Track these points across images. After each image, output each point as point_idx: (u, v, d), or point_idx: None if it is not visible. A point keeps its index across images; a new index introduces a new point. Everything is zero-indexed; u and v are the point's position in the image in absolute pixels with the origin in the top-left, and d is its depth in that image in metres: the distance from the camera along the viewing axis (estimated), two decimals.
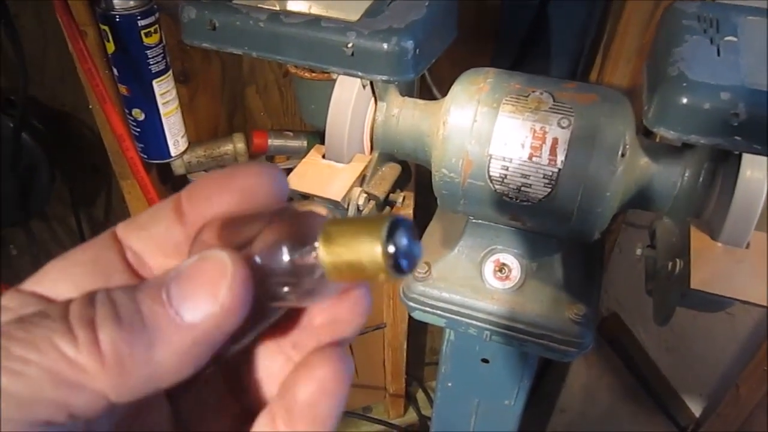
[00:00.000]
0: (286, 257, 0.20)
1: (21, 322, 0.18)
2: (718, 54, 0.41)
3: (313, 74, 0.79)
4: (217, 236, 0.20)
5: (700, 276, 0.50)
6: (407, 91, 0.67)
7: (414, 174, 0.78)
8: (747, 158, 0.48)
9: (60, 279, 0.20)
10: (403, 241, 0.19)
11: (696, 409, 1.05)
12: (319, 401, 0.21)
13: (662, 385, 1.13)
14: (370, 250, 0.19)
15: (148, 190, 0.77)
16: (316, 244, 0.19)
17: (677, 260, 0.53)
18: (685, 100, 0.39)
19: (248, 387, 0.24)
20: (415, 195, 1.01)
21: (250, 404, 0.24)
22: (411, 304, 0.70)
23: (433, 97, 0.77)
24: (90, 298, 0.18)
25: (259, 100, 0.97)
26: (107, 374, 0.17)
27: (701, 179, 0.54)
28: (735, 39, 0.43)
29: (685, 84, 0.39)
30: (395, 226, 0.19)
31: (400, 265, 0.19)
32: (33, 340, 0.17)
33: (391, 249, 0.19)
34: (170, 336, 0.18)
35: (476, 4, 0.91)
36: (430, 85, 0.81)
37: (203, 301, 0.18)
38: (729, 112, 0.38)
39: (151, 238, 0.21)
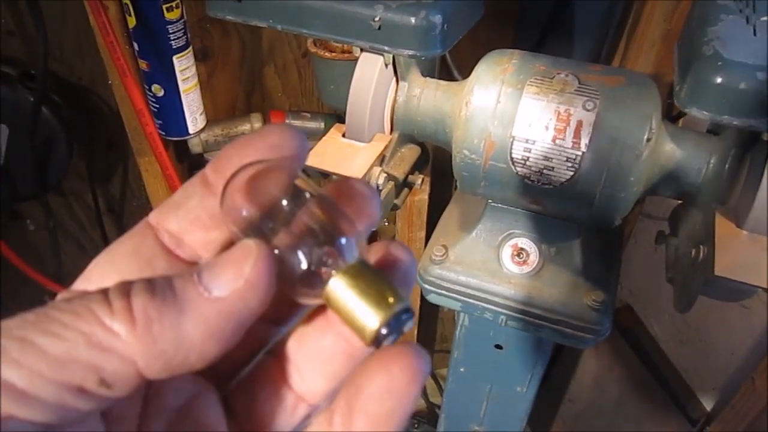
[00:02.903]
0: (302, 263, 0.21)
1: (68, 298, 0.19)
2: (755, 34, 0.41)
3: (333, 54, 0.78)
4: (245, 193, 0.21)
5: (724, 263, 0.49)
6: (428, 72, 0.66)
7: (431, 158, 0.78)
8: None
9: (107, 273, 0.22)
10: (398, 330, 0.21)
11: (708, 402, 1.05)
12: (386, 398, 0.20)
13: (674, 378, 1.12)
14: (367, 319, 0.20)
15: (166, 167, 0.77)
16: (333, 271, 0.21)
17: (701, 247, 0.52)
18: (719, 80, 0.38)
19: (304, 376, 0.23)
20: (431, 179, 1.00)
21: (308, 395, 0.23)
22: (427, 286, 0.70)
23: (453, 79, 0.76)
24: (129, 282, 0.20)
25: (278, 80, 0.97)
26: (137, 339, 0.18)
27: (727, 166, 0.53)
28: None
29: (720, 63, 0.38)
30: (401, 313, 0.21)
31: (381, 343, 0.20)
32: (73, 309, 0.19)
33: (384, 331, 0.20)
34: (199, 307, 0.19)
35: None
36: (450, 66, 0.80)
37: (229, 277, 0.20)
38: (765, 93, 0.37)
39: (187, 215, 0.22)
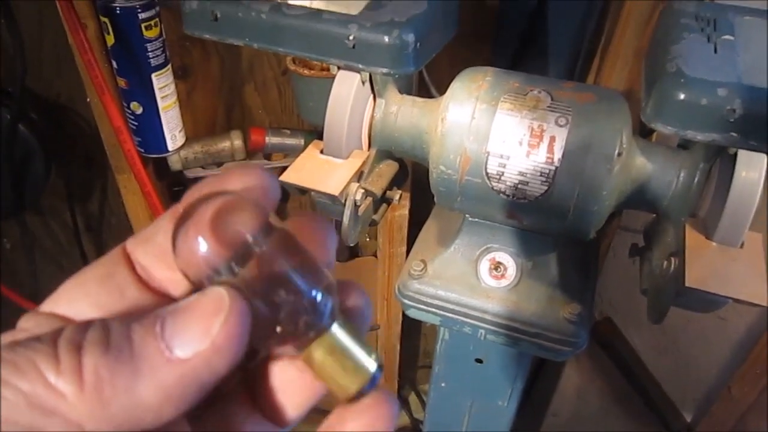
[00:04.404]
0: (280, 325, 0.20)
1: (13, 344, 0.17)
2: (715, 52, 0.42)
3: (312, 71, 0.79)
4: (208, 230, 0.19)
5: (694, 274, 0.50)
6: (406, 89, 0.67)
7: (411, 173, 0.79)
8: (741, 159, 0.49)
9: (76, 298, 0.20)
10: (373, 387, 0.22)
11: (687, 413, 1.06)
12: None
13: (654, 389, 1.13)
14: (348, 383, 0.21)
15: (144, 184, 0.77)
16: (312, 333, 0.21)
17: (672, 259, 0.53)
18: (682, 96, 0.39)
19: (272, 405, 0.23)
20: (411, 194, 1.01)
21: (277, 422, 0.23)
22: (406, 301, 0.70)
23: (430, 96, 0.77)
24: (86, 324, 0.18)
25: (258, 98, 0.97)
26: (85, 401, 0.17)
27: (696, 179, 0.55)
28: (732, 38, 0.43)
29: (682, 80, 0.40)
30: (375, 373, 0.22)
31: (358, 399, 0.22)
32: (17, 362, 0.17)
33: (362, 392, 0.22)
34: (157, 368, 0.17)
35: (475, 3, 0.92)
36: (428, 83, 0.82)
37: (195, 336, 0.18)
38: (725, 108, 0.39)
39: (154, 250, 0.21)
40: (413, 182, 0.92)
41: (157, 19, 0.72)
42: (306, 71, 0.78)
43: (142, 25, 0.71)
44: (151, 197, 0.78)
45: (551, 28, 0.86)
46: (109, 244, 1.12)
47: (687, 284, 0.49)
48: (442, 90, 0.61)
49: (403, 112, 0.63)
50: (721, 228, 0.51)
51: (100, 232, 1.10)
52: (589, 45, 0.90)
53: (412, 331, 1.39)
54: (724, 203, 0.50)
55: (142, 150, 0.80)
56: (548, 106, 0.57)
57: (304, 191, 0.62)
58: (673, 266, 0.53)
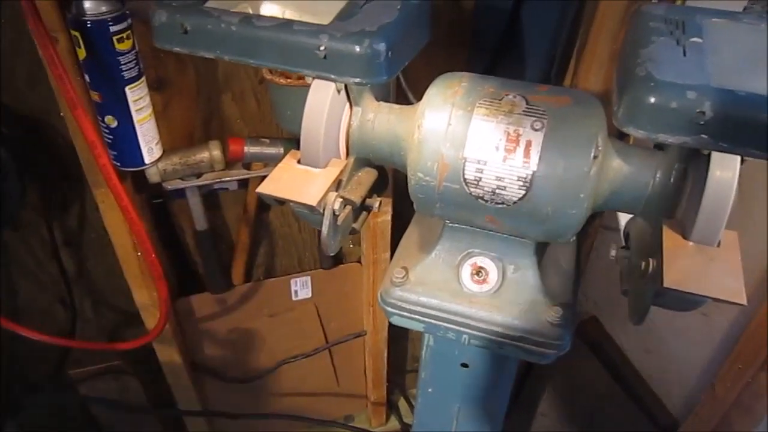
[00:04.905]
0: None
1: None
2: (684, 55, 0.42)
3: (288, 80, 0.78)
4: None
5: (672, 275, 0.50)
6: (382, 96, 0.67)
7: (391, 179, 0.78)
8: (715, 159, 0.49)
9: None
10: None
11: (675, 409, 1.06)
12: None
13: (642, 387, 1.13)
14: None
15: (121, 198, 0.76)
16: None
17: (650, 260, 0.53)
18: (652, 100, 0.40)
19: None
20: (393, 199, 1.01)
21: None
22: (389, 309, 0.70)
23: (408, 102, 0.77)
24: None
25: (236, 108, 0.97)
26: None
27: (672, 180, 0.55)
28: (700, 40, 0.44)
29: (652, 84, 0.40)
30: None
31: None
32: None
33: None
34: None
35: (450, 8, 0.92)
36: (405, 89, 0.82)
37: None
38: (695, 111, 0.39)
39: None
40: (395, 187, 0.92)
41: (129, 32, 0.71)
42: (282, 80, 0.78)
43: (114, 38, 0.70)
44: (128, 212, 0.77)
45: (527, 31, 0.86)
46: (89, 258, 1.11)
47: (665, 285, 0.50)
48: (419, 95, 0.61)
49: (380, 119, 0.63)
50: (698, 228, 0.52)
51: (80, 247, 1.09)
52: (565, 48, 0.91)
53: (400, 335, 1.39)
54: (700, 203, 0.51)
55: (119, 164, 0.79)
56: (524, 111, 0.57)
57: (282, 202, 0.62)
58: (651, 267, 0.53)
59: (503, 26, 0.85)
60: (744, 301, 0.49)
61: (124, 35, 0.71)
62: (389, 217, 1.04)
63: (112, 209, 0.86)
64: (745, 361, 0.77)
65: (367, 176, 0.68)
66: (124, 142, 0.77)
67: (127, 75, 0.73)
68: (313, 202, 0.58)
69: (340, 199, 0.60)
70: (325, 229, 0.59)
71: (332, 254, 0.64)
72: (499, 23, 0.85)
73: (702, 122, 0.39)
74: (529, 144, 0.55)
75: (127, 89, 0.73)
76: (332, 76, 0.48)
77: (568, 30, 0.90)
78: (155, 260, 0.82)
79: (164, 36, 0.52)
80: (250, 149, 0.92)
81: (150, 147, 0.80)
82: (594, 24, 0.87)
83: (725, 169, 0.49)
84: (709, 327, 0.93)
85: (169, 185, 0.94)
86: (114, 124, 0.75)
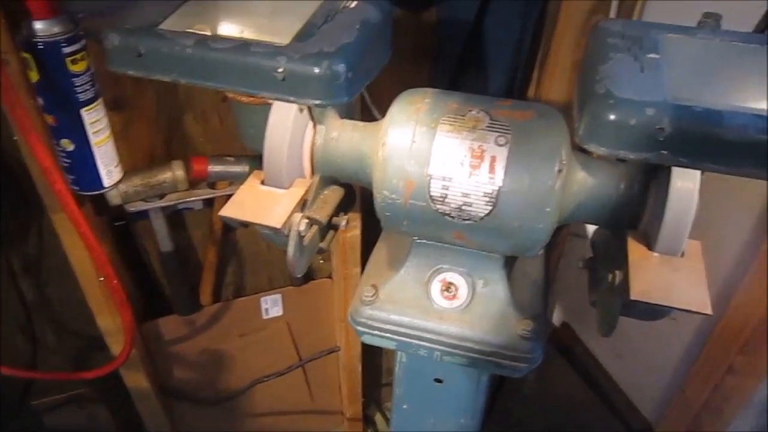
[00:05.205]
0: None
1: None
2: (642, 71, 0.42)
3: (251, 98, 0.77)
4: None
5: (639, 286, 0.50)
6: (347, 113, 0.66)
7: (360, 195, 0.78)
8: (676, 170, 0.49)
9: None
10: None
11: (648, 413, 1.07)
12: None
13: (615, 391, 1.15)
14: None
15: (79, 225, 0.73)
16: None
17: (617, 272, 0.53)
18: (612, 117, 0.40)
19: None
20: (362, 216, 1.00)
21: None
22: (359, 328, 0.69)
23: (373, 119, 0.76)
24: None
25: (198, 126, 0.95)
26: None
27: (635, 191, 0.55)
28: (657, 56, 0.44)
29: (611, 101, 0.40)
30: None
31: None
32: None
33: None
34: None
35: (413, 22, 0.92)
36: (369, 105, 0.81)
37: None
38: (654, 128, 0.39)
39: None
40: (363, 202, 0.91)
41: (83, 53, 0.69)
42: (245, 98, 0.76)
43: (68, 60, 0.68)
44: (87, 238, 0.75)
45: (489, 43, 0.87)
46: (50, 283, 1.07)
47: (632, 297, 0.50)
48: (384, 111, 0.61)
49: (344, 137, 0.62)
50: (662, 238, 0.52)
51: (39, 274, 1.05)
52: (528, 58, 0.91)
53: (374, 349, 1.37)
54: (663, 214, 0.51)
55: (77, 188, 0.76)
56: (487, 126, 0.57)
57: (246, 225, 0.60)
58: (618, 279, 0.53)
59: (465, 39, 0.85)
60: (709, 311, 0.49)
61: (78, 56, 0.69)
62: (358, 232, 1.03)
63: (71, 234, 0.83)
64: (712, 364, 0.79)
65: (333, 194, 0.67)
66: (82, 166, 0.75)
67: (82, 97, 0.71)
68: (278, 225, 0.57)
69: (306, 220, 0.59)
70: (291, 250, 0.58)
71: (299, 275, 0.63)
72: (462, 36, 0.85)
73: (661, 138, 0.39)
74: (493, 159, 0.55)
75: (82, 111, 0.71)
76: (292, 98, 0.47)
77: (530, 41, 0.91)
78: (118, 286, 0.79)
79: (118, 59, 0.50)
80: (214, 168, 0.91)
81: (109, 170, 0.77)
82: (555, 34, 0.88)
83: (686, 180, 0.50)
84: (678, 331, 0.94)
85: (132, 207, 0.92)
86: (70, 147, 0.73)
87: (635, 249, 0.54)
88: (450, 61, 0.89)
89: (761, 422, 0.77)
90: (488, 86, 0.91)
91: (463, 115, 0.57)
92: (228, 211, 0.59)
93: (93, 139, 0.74)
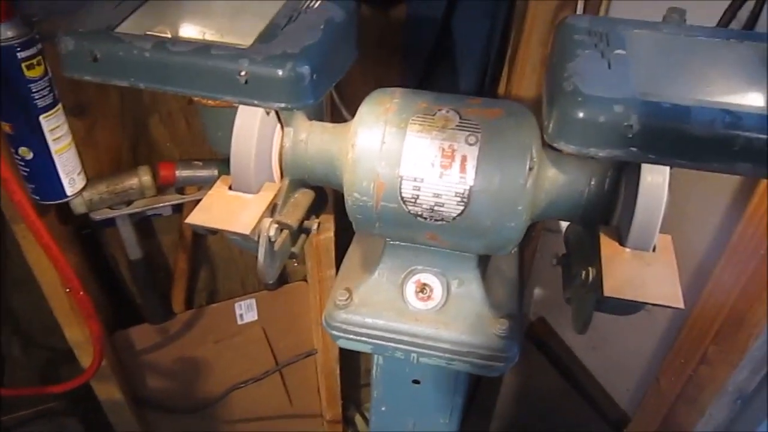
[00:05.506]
0: None
1: None
2: (609, 67, 0.42)
3: (217, 101, 0.75)
4: None
5: (611, 283, 0.50)
6: (316, 115, 0.65)
7: (333, 197, 0.76)
8: (646, 165, 0.49)
9: None
10: None
11: (624, 404, 1.08)
12: None
13: (591, 384, 1.15)
14: None
15: (41, 236, 0.71)
16: None
17: (590, 268, 0.53)
18: (580, 115, 0.39)
19: None
20: (335, 218, 0.99)
21: None
22: (334, 332, 0.68)
23: (343, 119, 0.75)
24: None
25: (164, 130, 0.93)
26: None
27: (606, 187, 0.55)
28: (624, 52, 0.44)
29: (579, 99, 0.40)
30: None
31: None
32: None
33: None
34: None
35: (380, 20, 0.91)
36: (339, 106, 0.80)
37: None
38: (623, 124, 0.39)
39: None
40: (336, 203, 0.90)
41: (40, 57, 0.67)
42: (211, 101, 0.74)
43: (23, 65, 0.65)
44: (50, 249, 0.72)
45: (459, 40, 0.86)
46: (15, 296, 1.04)
47: (605, 293, 0.50)
48: (355, 110, 0.60)
49: (313, 139, 0.61)
50: (633, 233, 0.52)
51: (4, 285, 1.02)
52: (497, 55, 0.91)
53: (352, 351, 1.37)
54: (634, 209, 0.51)
55: (38, 197, 0.74)
56: (457, 125, 0.56)
57: (215, 231, 0.59)
58: (591, 276, 0.53)
59: (435, 37, 0.85)
60: (681, 305, 0.49)
61: (35, 61, 0.66)
62: (332, 234, 1.02)
63: (34, 245, 0.80)
64: (686, 355, 0.79)
65: (304, 198, 0.66)
66: (42, 175, 0.72)
67: (40, 103, 0.68)
68: (247, 231, 0.55)
69: (276, 225, 0.58)
70: (261, 257, 0.57)
71: (271, 281, 0.62)
72: (431, 34, 0.85)
73: (630, 135, 0.39)
74: (464, 159, 0.55)
75: (41, 118, 0.69)
76: (255, 102, 0.46)
77: (500, 37, 0.91)
78: (84, 297, 0.77)
79: (73, 65, 0.48)
80: (182, 173, 0.89)
81: (71, 178, 0.75)
82: (523, 31, 0.88)
83: (656, 174, 0.50)
84: (652, 322, 0.95)
85: (98, 215, 0.89)
86: (29, 156, 0.70)
87: (607, 245, 0.54)
88: (420, 60, 0.89)
89: (735, 410, 0.79)
90: (459, 84, 0.91)
91: (432, 115, 0.57)
92: (195, 218, 0.57)
93: (53, 147, 0.71)
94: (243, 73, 0.43)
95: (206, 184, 0.91)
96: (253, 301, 1.19)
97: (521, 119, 0.56)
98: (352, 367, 1.45)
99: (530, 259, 1.18)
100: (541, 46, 0.88)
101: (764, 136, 0.38)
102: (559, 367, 1.20)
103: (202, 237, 1.09)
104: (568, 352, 1.19)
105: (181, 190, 0.93)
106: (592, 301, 0.54)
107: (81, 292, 0.77)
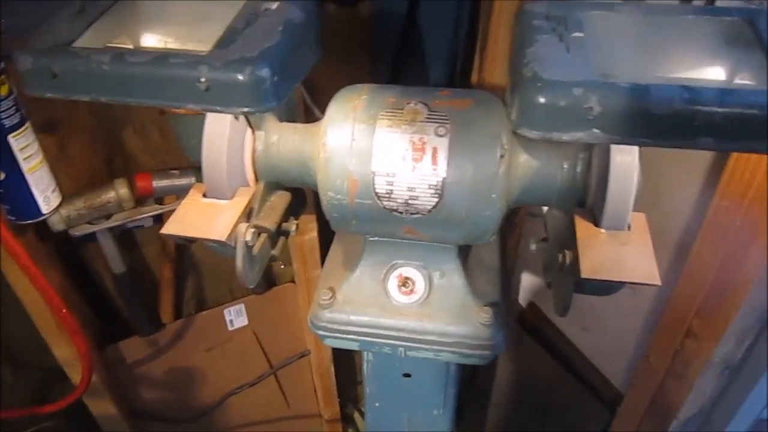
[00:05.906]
0: None
1: None
2: (568, 51, 0.42)
3: (186, 109, 0.75)
4: None
5: (588, 264, 0.50)
6: (288, 116, 0.65)
7: (313, 197, 0.76)
8: (614, 145, 0.50)
9: None
10: None
11: (618, 383, 1.09)
12: None
13: (584, 365, 1.16)
14: None
15: (19, 256, 0.70)
16: None
17: (566, 252, 0.54)
18: (541, 100, 0.39)
19: None
20: (318, 218, 0.99)
21: None
22: (320, 332, 0.68)
23: (317, 119, 0.75)
24: None
25: (138, 141, 0.92)
26: None
27: (579, 170, 0.55)
28: (582, 35, 0.44)
29: (540, 84, 0.40)
30: None
31: None
32: None
33: None
34: None
35: (347, 17, 0.90)
36: (310, 106, 0.80)
37: None
38: (583, 107, 0.39)
39: None
40: (317, 203, 0.90)
41: (3, 76, 0.66)
42: (181, 110, 0.74)
43: None
44: (28, 269, 0.72)
45: (426, 32, 0.86)
46: (2, 318, 1.03)
47: (583, 275, 0.50)
48: (325, 108, 0.59)
49: (285, 141, 0.61)
50: (607, 214, 0.52)
51: None
52: (467, 45, 0.91)
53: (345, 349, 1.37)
54: (606, 189, 0.51)
55: (13, 217, 0.73)
56: (426, 118, 0.56)
57: (191, 240, 0.59)
58: (568, 259, 0.54)
59: (401, 31, 0.85)
60: (658, 282, 0.50)
61: None
62: (315, 234, 1.02)
63: (15, 266, 0.80)
64: (672, 330, 0.80)
65: (281, 200, 0.65)
66: (16, 195, 0.72)
67: (7, 123, 0.67)
68: (222, 237, 0.55)
69: (253, 229, 0.58)
70: (239, 262, 0.56)
71: (251, 286, 0.61)
72: (397, 28, 0.84)
73: (591, 117, 0.39)
74: (435, 151, 0.55)
75: (9, 138, 0.68)
76: (218, 108, 0.45)
77: (468, 27, 0.91)
78: (67, 314, 0.77)
79: (33, 83, 0.48)
80: (159, 183, 0.88)
81: (46, 195, 0.74)
82: (492, 18, 0.88)
83: (625, 153, 0.50)
84: (638, 300, 0.96)
85: (77, 231, 0.89)
86: (1, 176, 0.70)
87: (583, 227, 0.54)
88: (389, 55, 0.88)
89: (722, 382, 0.80)
90: (430, 76, 0.91)
91: (401, 109, 0.56)
92: (170, 228, 0.57)
93: (24, 166, 0.70)
94: (203, 80, 0.43)
95: (185, 193, 0.91)
96: (243, 306, 1.19)
97: (490, 108, 0.56)
98: (347, 365, 1.45)
99: (515, 245, 1.18)
100: (510, 35, 0.88)
101: (723, 110, 0.38)
102: (552, 351, 1.21)
103: (185, 246, 1.08)
104: (561, 336, 1.20)
105: (160, 200, 0.92)
106: (571, 283, 0.55)
107: (63, 310, 0.76)
